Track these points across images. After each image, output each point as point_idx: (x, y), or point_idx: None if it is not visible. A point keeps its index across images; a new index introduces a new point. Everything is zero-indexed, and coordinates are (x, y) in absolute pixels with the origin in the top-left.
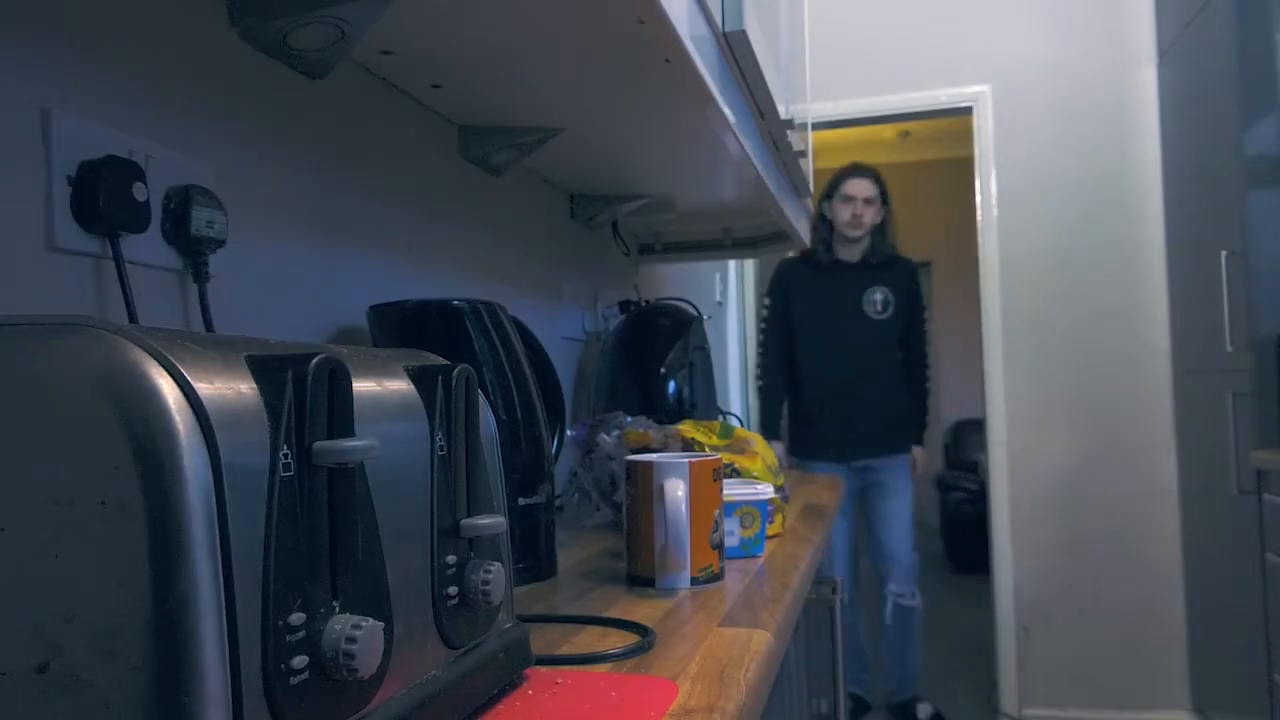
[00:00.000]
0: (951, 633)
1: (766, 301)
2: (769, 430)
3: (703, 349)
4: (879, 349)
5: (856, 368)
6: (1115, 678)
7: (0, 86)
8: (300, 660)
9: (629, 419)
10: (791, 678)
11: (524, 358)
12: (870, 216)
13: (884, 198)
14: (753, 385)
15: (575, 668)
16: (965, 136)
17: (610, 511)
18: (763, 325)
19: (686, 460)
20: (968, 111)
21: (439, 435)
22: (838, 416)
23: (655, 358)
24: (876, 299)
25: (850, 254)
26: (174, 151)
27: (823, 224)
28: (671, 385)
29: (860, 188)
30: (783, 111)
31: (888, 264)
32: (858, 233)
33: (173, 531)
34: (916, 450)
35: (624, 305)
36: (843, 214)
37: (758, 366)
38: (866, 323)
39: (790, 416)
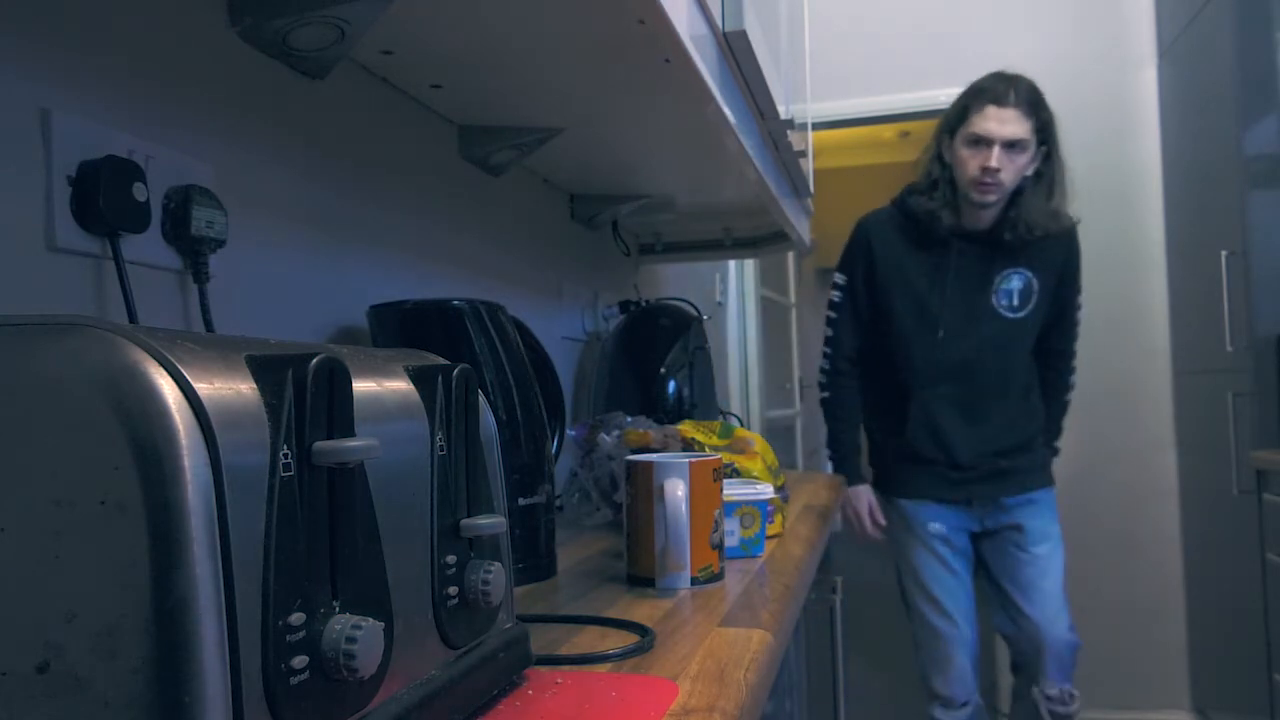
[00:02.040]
0: None
1: (839, 279)
2: (846, 464)
3: (703, 349)
4: (1012, 356)
5: (977, 383)
6: (1115, 678)
7: (0, 86)
8: (300, 660)
9: (629, 419)
10: (791, 678)
11: (524, 358)
12: (1013, 173)
13: (1043, 135)
14: (755, 374)
15: (575, 668)
16: None
17: (610, 511)
18: (831, 314)
19: (686, 460)
20: None
21: (439, 435)
22: (949, 447)
23: (655, 358)
24: (1012, 288)
25: (977, 219)
26: (174, 151)
27: (940, 169)
28: (671, 385)
29: (1000, 123)
30: (783, 111)
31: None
32: (989, 198)
33: (173, 531)
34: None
35: (624, 305)
36: (967, 165)
37: (822, 372)
38: (995, 322)
39: (873, 441)
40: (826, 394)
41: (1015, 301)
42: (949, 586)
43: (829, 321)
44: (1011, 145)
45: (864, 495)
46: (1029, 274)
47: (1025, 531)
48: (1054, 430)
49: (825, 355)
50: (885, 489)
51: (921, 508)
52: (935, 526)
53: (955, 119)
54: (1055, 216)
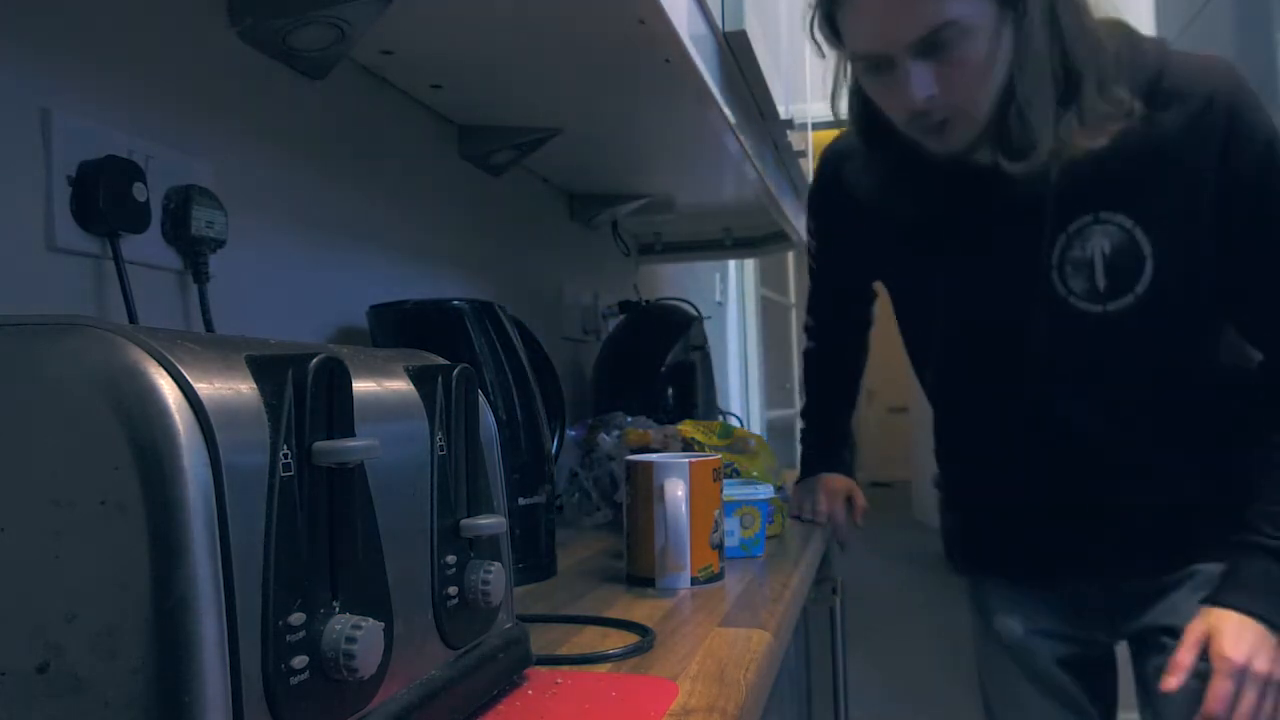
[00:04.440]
0: (951, 634)
1: (810, 225)
2: (821, 441)
3: (703, 349)
4: (1125, 368)
5: (1062, 416)
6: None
7: (0, 86)
8: (300, 660)
9: (629, 419)
10: (791, 678)
11: (524, 358)
12: (969, 86)
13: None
14: (755, 374)
15: (575, 668)
16: None
17: (610, 511)
18: (810, 263)
19: (686, 460)
20: None
21: (439, 435)
22: (1025, 516)
23: (655, 358)
24: (1089, 253)
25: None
26: (174, 151)
27: (859, 101)
28: (671, 385)
29: (883, 18)
30: (783, 111)
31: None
32: (948, 145)
33: (173, 531)
34: (1222, 621)
35: (624, 305)
36: (885, 107)
37: (808, 315)
38: (1060, 325)
39: (943, 500)
40: (809, 344)
41: (1100, 280)
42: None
43: (811, 259)
44: (932, 47)
45: (827, 487)
46: (1125, 221)
47: (1177, 635)
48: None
49: (810, 298)
50: (959, 564)
51: (986, 588)
52: (1006, 624)
53: (825, 14)
54: (1095, 113)
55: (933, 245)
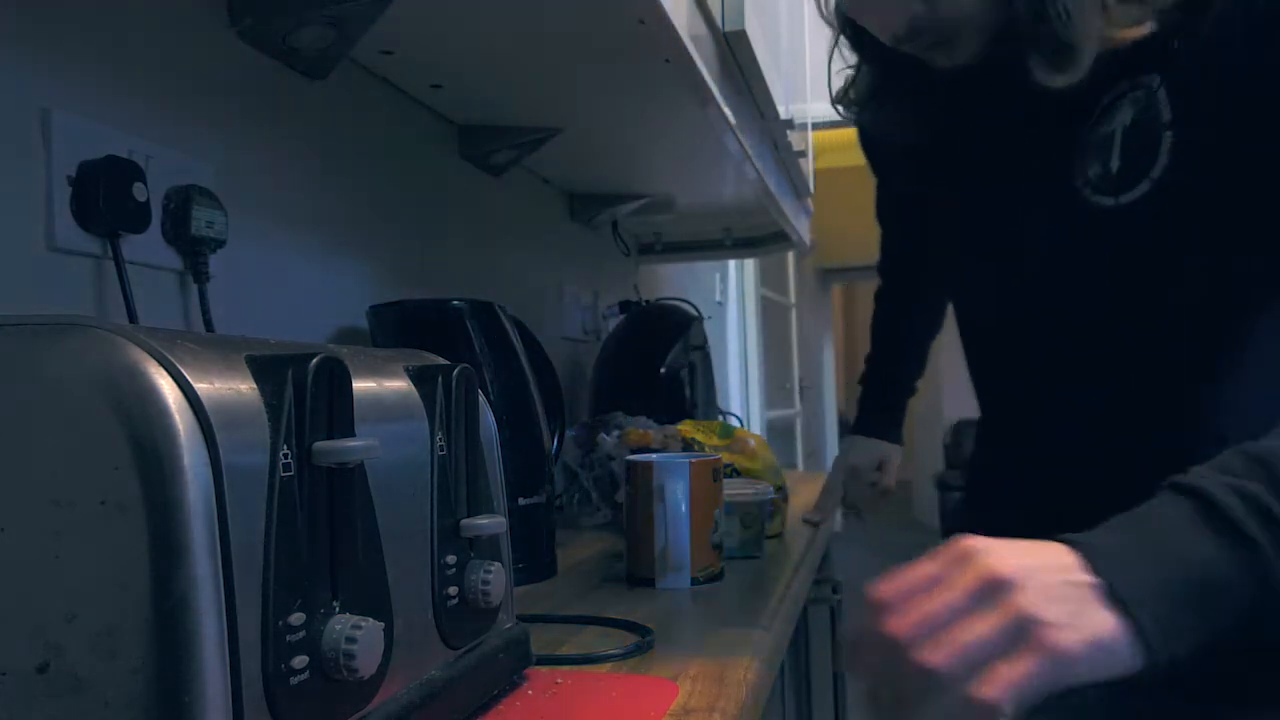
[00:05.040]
0: None
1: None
2: (869, 398)
3: (703, 349)
4: (1153, 306)
5: (1068, 376)
6: None
7: (0, 86)
8: (300, 660)
9: (629, 419)
10: (791, 678)
11: (524, 358)
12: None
13: None
14: (755, 374)
15: (575, 668)
16: None
17: (610, 511)
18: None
19: (686, 460)
20: None
21: (439, 435)
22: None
23: (655, 358)
24: (1112, 131)
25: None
26: (174, 151)
27: (852, 28)
28: (671, 385)
29: None
30: (783, 111)
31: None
32: (946, 59)
33: (173, 531)
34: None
35: (624, 305)
36: (873, 30)
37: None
38: (1083, 221)
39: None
40: (880, 285)
41: (1114, 162)
42: None
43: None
44: None
45: (856, 464)
46: (1153, 81)
47: None
48: None
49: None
50: None
51: None
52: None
53: None
54: None
55: (957, 165)
